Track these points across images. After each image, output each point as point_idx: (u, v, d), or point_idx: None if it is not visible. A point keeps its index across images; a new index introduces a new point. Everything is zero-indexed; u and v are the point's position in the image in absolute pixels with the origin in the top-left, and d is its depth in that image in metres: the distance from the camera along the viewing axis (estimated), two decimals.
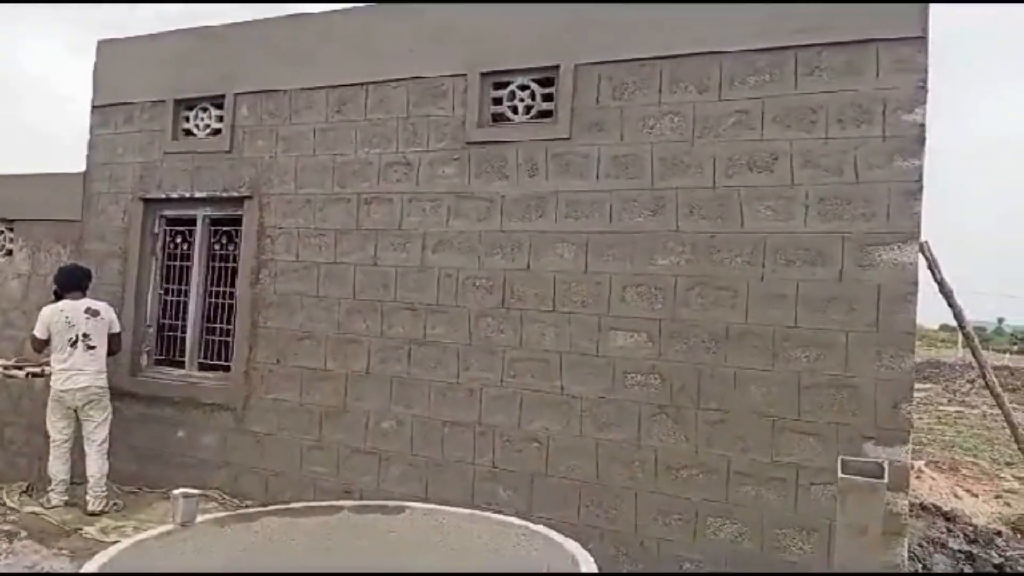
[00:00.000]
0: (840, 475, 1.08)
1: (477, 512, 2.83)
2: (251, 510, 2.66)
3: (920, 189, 3.92)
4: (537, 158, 4.81)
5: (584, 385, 4.67)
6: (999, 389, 4.23)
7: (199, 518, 2.50)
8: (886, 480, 1.13)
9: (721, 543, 4.30)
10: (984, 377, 4.15)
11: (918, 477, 12.53)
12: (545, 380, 4.78)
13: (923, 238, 4.17)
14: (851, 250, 4.05)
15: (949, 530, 9.28)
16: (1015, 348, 58.47)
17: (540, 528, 2.44)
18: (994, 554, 7.50)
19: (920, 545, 8.59)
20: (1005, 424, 19.10)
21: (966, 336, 4.16)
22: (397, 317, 5.22)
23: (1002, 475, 13.22)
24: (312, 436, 5.47)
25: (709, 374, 4.36)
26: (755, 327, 4.26)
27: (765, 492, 4.21)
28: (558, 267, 4.75)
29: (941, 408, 23.54)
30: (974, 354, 4.21)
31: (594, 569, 2.08)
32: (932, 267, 4.16)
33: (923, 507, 10.34)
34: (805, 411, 4.13)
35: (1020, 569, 5.51)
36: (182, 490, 2.49)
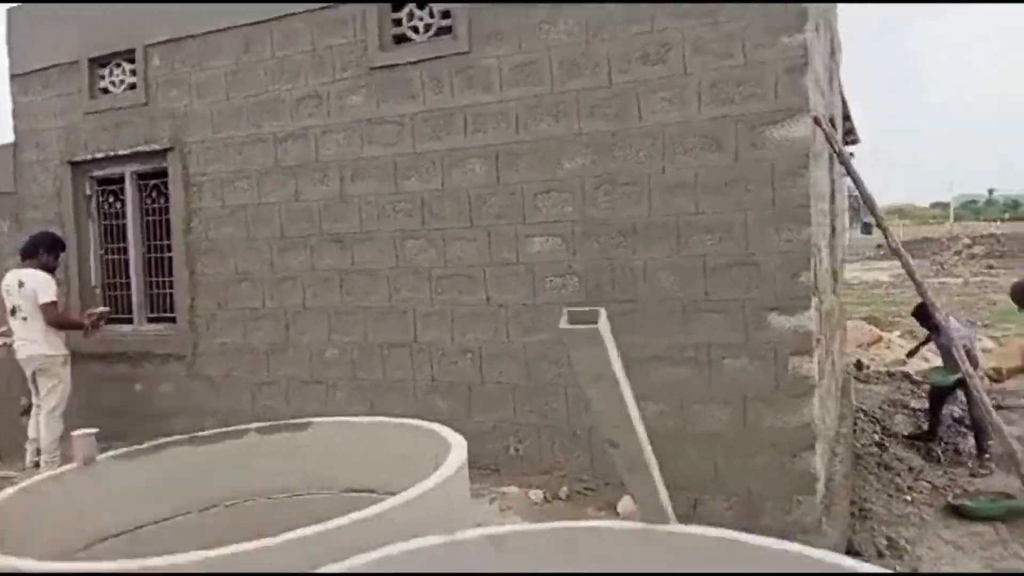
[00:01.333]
0: (560, 326, 1.19)
1: (378, 419, 2.98)
2: (160, 441, 2.71)
3: (805, 64, 4.01)
4: (441, 75, 4.86)
5: (508, 293, 4.82)
6: (903, 251, 4.40)
7: (105, 455, 2.46)
8: (599, 325, 1.25)
9: (646, 423, 4.50)
10: (888, 242, 4.31)
11: (888, 347, 12.97)
12: (472, 294, 4.92)
13: (819, 112, 4.29)
14: (744, 131, 4.16)
15: (912, 391, 9.69)
16: (1006, 216, 59.41)
17: (432, 425, 2.60)
18: (955, 408, 7.86)
19: (881, 408, 8.97)
20: (986, 289, 19.60)
21: (865, 201, 4.30)
22: (325, 250, 5.32)
23: (979, 336, 13.67)
24: (261, 373, 5.63)
25: (621, 268, 4.51)
26: (660, 218, 4.39)
27: (682, 371, 4.41)
28: (472, 182, 4.85)
29: (927, 280, 24.16)
30: (878, 224, 4.36)
31: (463, 453, 2.27)
32: (829, 139, 4.28)
33: (889, 373, 10.76)
34: (712, 292, 4.30)
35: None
36: (79, 431, 2.43)
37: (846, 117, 9.25)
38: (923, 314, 7.98)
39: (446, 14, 4.87)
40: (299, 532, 1.66)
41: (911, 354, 8.91)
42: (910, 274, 4.16)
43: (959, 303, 18.82)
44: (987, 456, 7.05)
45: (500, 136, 4.73)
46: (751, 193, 4.17)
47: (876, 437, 7.89)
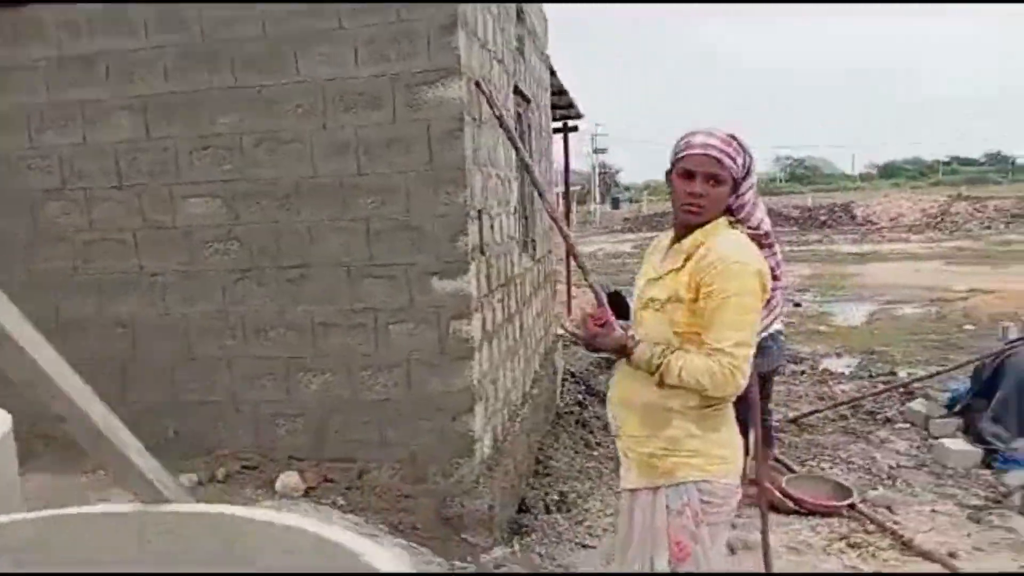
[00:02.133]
0: None
1: None
2: None
3: (455, 23, 3.97)
4: (77, 17, 4.30)
5: (164, 260, 4.41)
6: (568, 232, 4.54)
7: None
8: None
9: (314, 394, 4.35)
10: (556, 223, 4.41)
11: None
12: (122, 260, 4.45)
13: (489, 76, 4.30)
14: (401, 91, 4.06)
15: None
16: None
17: None
18: None
19: (588, 369, 9.50)
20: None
21: (526, 169, 4.38)
22: None
23: None
24: None
25: (286, 232, 4.28)
26: (324, 179, 4.20)
27: (349, 339, 4.28)
28: (119, 137, 4.36)
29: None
30: (539, 195, 4.45)
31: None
32: (491, 103, 4.30)
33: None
34: (377, 256, 4.20)
35: None
36: None
37: (561, 92, 9.60)
38: (617, 305, 8.53)
39: None
40: None
41: None
42: (574, 256, 4.30)
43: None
44: None
45: (149, 87, 4.28)
46: (411, 155, 4.09)
47: (579, 396, 8.35)
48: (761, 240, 2.21)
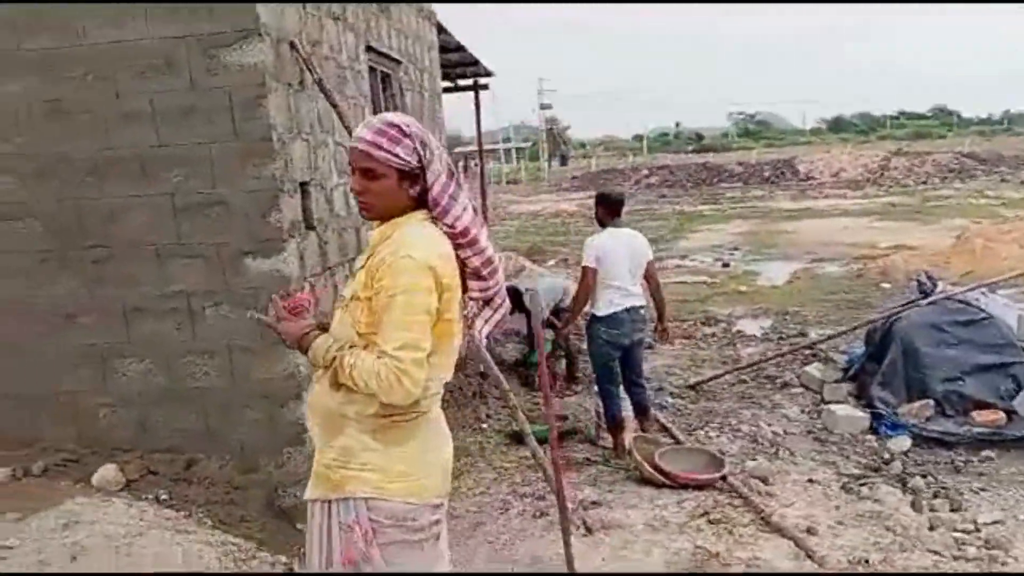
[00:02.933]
0: None
1: None
2: None
3: None
4: None
5: None
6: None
7: None
8: None
9: (133, 383, 4.04)
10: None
11: (529, 277, 13.60)
12: None
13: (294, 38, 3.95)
14: (198, 55, 3.70)
15: None
16: (689, 149, 66.70)
17: None
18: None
19: (496, 338, 9.28)
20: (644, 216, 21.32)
21: (345, 125, 4.06)
22: None
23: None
24: None
25: (88, 210, 3.92)
26: (122, 151, 3.84)
27: (163, 325, 3.97)
28: None
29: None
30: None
31: None
32: (307, 66, 3.96)
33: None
34: (185, 235, 3.87)
35: None
36: None
37: (458, 49, 9.23)
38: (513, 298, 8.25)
39: None
40: None
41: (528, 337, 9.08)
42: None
43: None
44: (575, 380, 7.54)
45: None
46: (214, 125, 3.75)
47: (481, 367, 8.13)
48: (458, 239, 1.97)
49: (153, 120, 3.77)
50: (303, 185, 4.08)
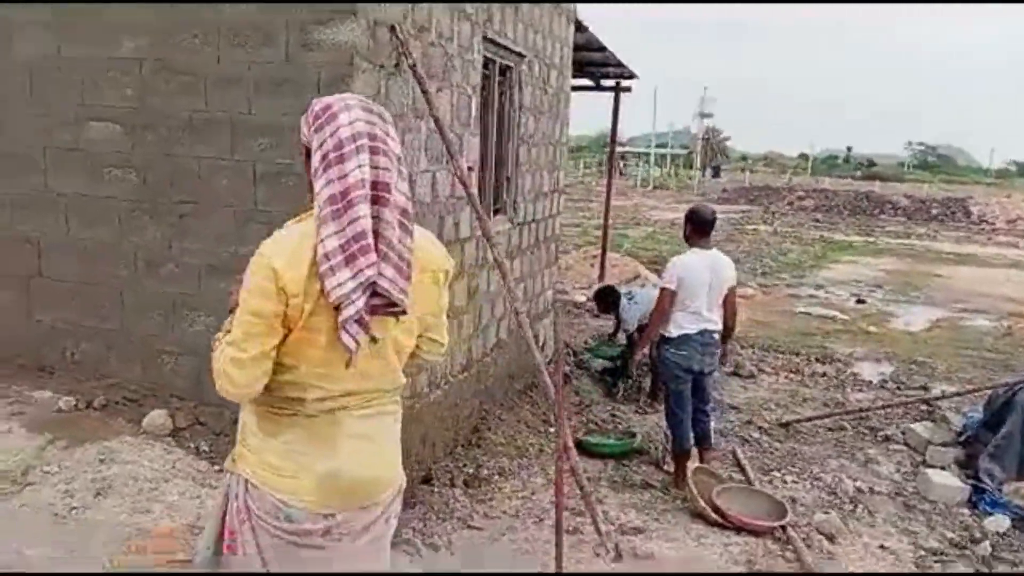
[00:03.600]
0: None
1: None
2: None
3: None
4: None
5: (68, 181, 4.35)
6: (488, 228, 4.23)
7: None
8: None
9: (197, 335, 4.23)
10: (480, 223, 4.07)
11: (643, 285, 13.36)
12: (29, 176, 4.42)
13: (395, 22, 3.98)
14: (294, 29, 3.79)
15: None
16: (858, 174, 63.25)
17: None
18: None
19: (587, 341, 9.13)
20: (785, 239, 20.31)
21: (439, 129, 4.05)
22: None
23: (749, 284, 14.29)
24: None
25: (179, 166, 4.13)
26: (216, 114, 4.01)
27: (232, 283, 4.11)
28: (31, 52, 4.28)
29: (751, 227, 25.14)
30: (450, 156, 4.13)
31: None
32: (403, 52, 3.98)
33: None
34: (262, 201, 4.00)
35: None
36: None
37: (600, 49, 9.08)
38: (601, 299, 8.09)
39: None
40: None
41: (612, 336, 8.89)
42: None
43: (748, 251, 19.62)
44: (656, 398, 7.31)
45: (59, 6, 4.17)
46: (300, 98, 3.80)
47: (567, 370, 8.02)
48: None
49: (247, 88, 3.90)
50: None
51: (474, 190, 4.27)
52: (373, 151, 1.77)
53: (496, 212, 6.11)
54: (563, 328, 8.77)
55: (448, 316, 5.08)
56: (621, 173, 54.34)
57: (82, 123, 4.25)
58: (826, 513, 5.10)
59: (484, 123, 5.68)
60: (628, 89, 11.06)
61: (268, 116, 3.90)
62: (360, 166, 1.75)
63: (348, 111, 1.81)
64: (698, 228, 5.22)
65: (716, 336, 5.28)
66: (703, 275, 5.12)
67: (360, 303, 1.73)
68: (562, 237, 9.12)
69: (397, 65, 4.10)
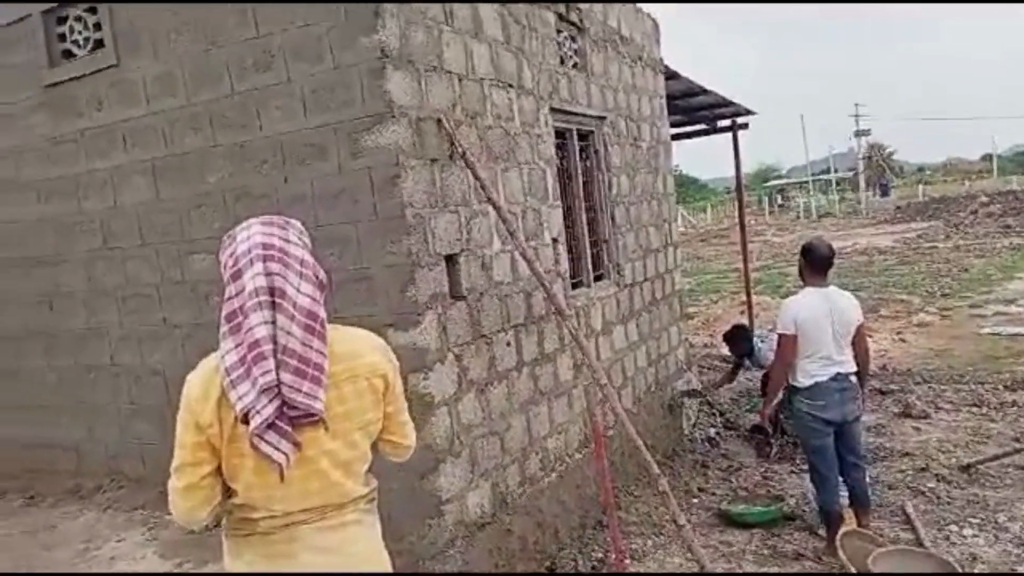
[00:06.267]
0: None
1: None
2: None
3: (383, 67, 3.75)
4: (100, 90, 4.70)
5: (180, 313, 4.68)
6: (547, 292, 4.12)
7: None
8: None
9: None
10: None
11: None
12: (150, 313, 4.80)
13: (453, 111, 4.04)
14: (344, 139, 3.92)
15: None
16: None
17: None
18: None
19: (734, 398, 8.57)
20: (969, 254, 18.61)
21: (492, 204, 4.01)
22: (34, 272, 5.25)
23: (927, 310, 13.10)
24: None
25: None
26: None
27: None
28: (138, 199, 4.70)
29: (928, 245, 23.16)
30: (509, 233, 4.07)
31: None
32: (452, 140, 4.02)
33: None
34: (340, 308, 4.06)
35: None
36: None
37: (703, 92, 8.82)
38: (732, 340, 7.58)
39: (99, 25, 4.69)
40: None
41: (719, 386, 8.31)
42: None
43: (928, 270, 18.01)
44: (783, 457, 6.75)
45: (153, 151, 4.57)
46: (358, 204, 3.94)
47: (712, 432, 7.57)
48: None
49: (313, 202, 4.06)
50: (450, 257, 4.12)
51: (537, 265, 4.17)
52: (267, 258, 1.78)
53: (598, 278, 5.96)
54: (708, 385, 8.33)
55: (542, 393, 4.95)
56: (780, 207, 52.15)
57: (184, 257, 4.59)
58: (1012, 571, 4.41)
59: (569, 190, 5.61)
60: (745, 126, 10.64)
61: (333, 226, 4.03)
62: (254, 276, 1.75)
63: (247, 229, 1.84)
64: (814, 265, 4.81)
65: (853, 379, 4.78)
66: (824, 316, 4.69)
67: (268, 411, 1.71)
68: (696, 287, 8.73)
69: (451, 156, 4.14)
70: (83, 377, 5.17)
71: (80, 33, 4.78)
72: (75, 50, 4.82)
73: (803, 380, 4.71)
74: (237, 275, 1.79)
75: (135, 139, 4.63)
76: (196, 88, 4.34)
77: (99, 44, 4.70)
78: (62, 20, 4.83)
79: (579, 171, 5.77)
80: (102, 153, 4.78)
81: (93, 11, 4.68)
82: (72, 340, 5.15)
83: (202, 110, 4.34)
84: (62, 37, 4.86)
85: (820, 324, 4.64)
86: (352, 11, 3.77)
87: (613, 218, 6.14)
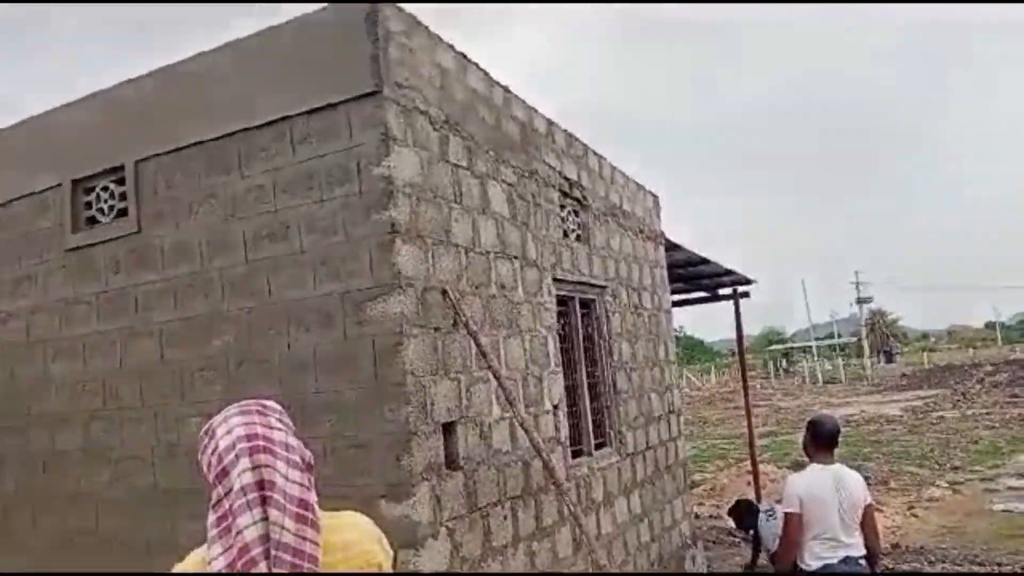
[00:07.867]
0: None
1: None
2: None
3: (393, 241, 3.91)
4: (119, 255, 4.89)
5: (173, 478, 4.62)
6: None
7: None
8: None
9: None
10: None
11: None
12: (144, 477, 4.73)
13: (457, 282, 4.17)
14: (350, 308, 4.03)
15: None
16: None
17: None
18: None
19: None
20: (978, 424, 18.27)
21: (493, 372, 4.06)
22: (31, 432, 5.23)
23: (937, 483, 12.74)
24: None
25: None
26: (290, 397, 4.19)
27: None
28: (142, 360, 4.76)
29: (935, 414, 22.83)
30: (508, 402, 4.09)
31: None
32: (456, 310, 4.12)
33: None
34: (333, 477, 4.03)
35: None
36: None
37: (703, 262, 9.08)
38: (738, 515, 7.40)
39: (124, 195, 4.94)
40: None
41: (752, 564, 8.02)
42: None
43: (936, 440, 17.72)
44: None
45: (163, 314, 4.68)
46: (360, 370, 3.98)
47: None
48: None
49: (314, 369, 4.11)
50: (448, 425, 4.11)
51: (537, 435, 4.15)
52: (252, 451, 1.72)
53: (599, 446, 5.90)
54: (716, 561, 8.03)
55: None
56: (786, 371, 52.05)
57: (183, 420, 4.58)
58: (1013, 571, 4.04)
59: (570, 357, 5.66)
60: (746, 295, 10.85)
61: (332, 392, 4.05)
62: (241, 472, 1.70)
63: (226, 422, 1.79)
64: (820, 441, 4.72)
65: (863, 563, 4.59)
66: (829, 494, 4.56)
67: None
68: (697, 457, 8.57)
69: (454, 324, 4.22)
70: (67, 543, 5.02)
71: (106, 202, 5.03)
72: (99, 217, 5.05)
73: (811, 563, 4.53)
74: (223, 474, 1.73)
75: (147, 302, 4.76)
76: (212, 255, 4.51)
77: (123, 212, 4.93)
78: (89, 190, 5.09)
79: (581, 337, 5.86)
80: (113, 315, 4.89)
81: (121, 182, 4.94)
82: (61, 502, 5.05)
83: (215, 276, 4.49)
84: (88, 205, 5.10)
85: (826, 502, 4.52)
86: (367, 190, 3.97)
87: (615, 384, 6.16)
